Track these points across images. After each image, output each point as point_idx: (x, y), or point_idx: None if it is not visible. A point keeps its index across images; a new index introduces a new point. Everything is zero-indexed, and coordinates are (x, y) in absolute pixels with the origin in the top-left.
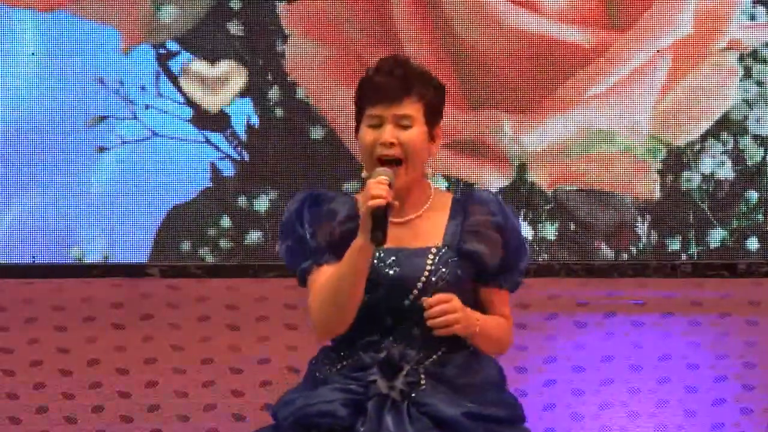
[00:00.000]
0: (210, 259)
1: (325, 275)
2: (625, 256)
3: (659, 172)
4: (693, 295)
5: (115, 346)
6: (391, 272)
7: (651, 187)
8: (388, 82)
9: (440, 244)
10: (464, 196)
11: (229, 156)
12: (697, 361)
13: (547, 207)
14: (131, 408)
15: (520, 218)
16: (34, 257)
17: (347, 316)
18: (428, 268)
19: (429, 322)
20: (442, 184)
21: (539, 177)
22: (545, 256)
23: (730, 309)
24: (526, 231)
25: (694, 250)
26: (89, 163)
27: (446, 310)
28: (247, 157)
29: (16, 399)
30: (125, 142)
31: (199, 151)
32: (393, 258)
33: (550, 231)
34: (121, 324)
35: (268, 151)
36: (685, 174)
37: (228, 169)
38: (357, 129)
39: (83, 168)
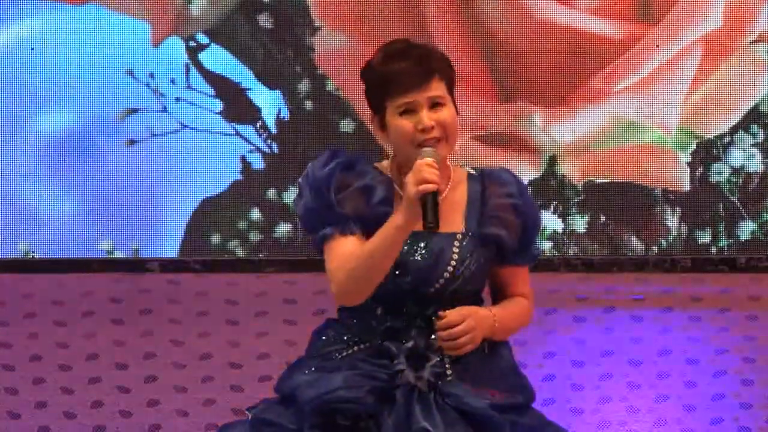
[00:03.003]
0: (240, 252)
1: (351, 245)
2: (654, 248)
3: (689, 164)
4: (692, 290)
5: (115, 341)
6: (419, 260)
7: (681, 180)
8: (410, 68)
9: (463, 230)
10: (480, 172)
11: (258, 149)
12: (696, 356)
13: (577, 199)
14: (130, 403)
15: (551, 210)
16: (33, 251)
17: (371, 289)
18: (454, 257)
19: (442, 344)
20: None
21: (569, 169)
22: (575, 248)
23: (730, 304)
24: (557, 223)
25: (724, 242)
26: (119, 156)
27: (455, 334)
28: (276, 150)
29: (15, 394)
30: (155, 135)
31: (229, 144)
32: (421, 245)
33: (579, 223)
34: (120, 319)
35: (297, 143)
36: (715, 166)
37: (258, 162)
38: (380, 122)
39: (113, 161)
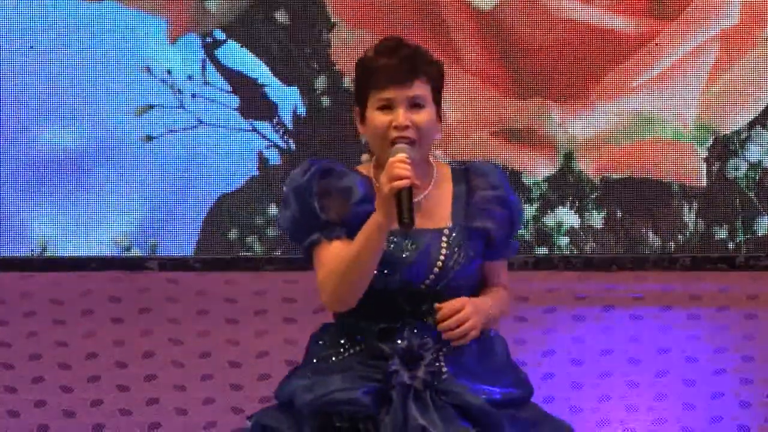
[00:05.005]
0: (258, 248)
1: (336, 250)
2: (672, 244)
3: (706, 159)
4: (691, 289)
5: (114, 339)
6: (407, 256)
7: (698, 175)
8: (395, 64)
9: (450, 225)
10: (464, 167)
11: (275, 145)
12: (695, 354)
13: (594, 195)
14: (130, 401)
15: (567, 206)
16: (33, 250)
17: (360, 292)
18: (443, 252)
19: (445, 335)
20: None
21: (586, 165)
22: (593, 244)
23: (729, 302)
24: (574, 219)
25: (741, 238)
26: (136, 152)
27: (460, 319)
28: (293, 146)
29: (14, 392)
30: (172, 131)
31: (245, 140)
32: (408, 242)
33: (597, 219)
34: (119, 318)
35: (314, 139)
36: (732, 162)
37: (275, 158)
38: (361, 113)
39: (130, 157)
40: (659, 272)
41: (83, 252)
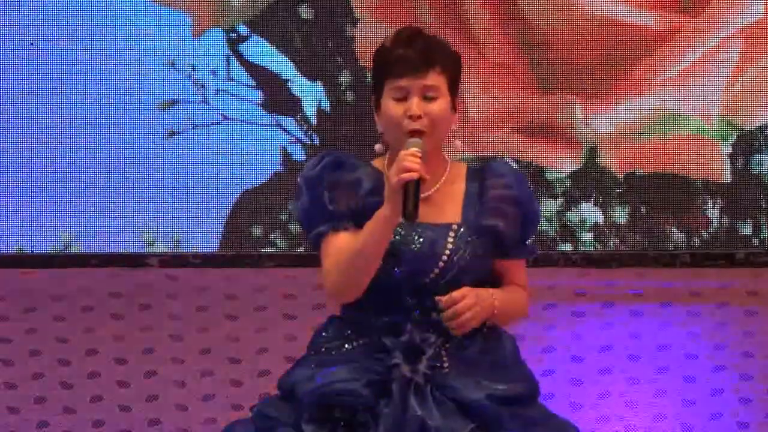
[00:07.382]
0: (281, 244)
1: (342, 241)
2: (696, 240)
3: (730, 155)
4: (692, 285)
5: (114, 335)
6: (412, 249)
7: (722, 171)
8: (411, 54)
9: (460, 221)
10: (480, 167)
11: (299, 140)
12: (695, 350)
13: (618, 191)
14: (130, 398)
15: (591, 202)
16: (32, 247)
17: (363, 284)
18: (449, 247)
19: (447, 324)
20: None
21: (610, 160)
22: (616, 240)
23: (729, 299)
24: (597, 215)
25: (765, 234)
26: (160, 147)
27: (458, 310)
28: (317, 141)
29: (14, 389)
30: (196, 127)
31: (269, 136)
32: (414, 235)
33: (621, 215)
34: (119, 314)
35: (338, 135)
36: (756, 157)
37: (298, 153)
38: (376, 102)
39: (154, 152)
40: (659, 269)
41: (105, 248)
